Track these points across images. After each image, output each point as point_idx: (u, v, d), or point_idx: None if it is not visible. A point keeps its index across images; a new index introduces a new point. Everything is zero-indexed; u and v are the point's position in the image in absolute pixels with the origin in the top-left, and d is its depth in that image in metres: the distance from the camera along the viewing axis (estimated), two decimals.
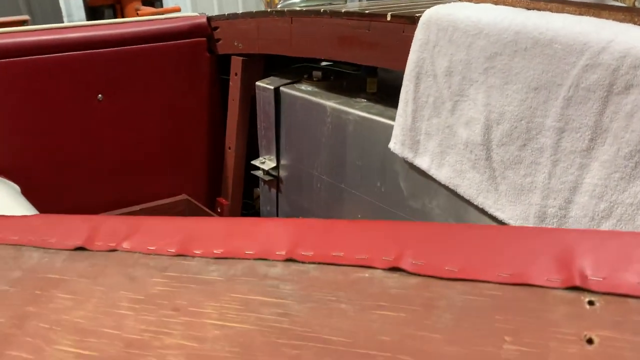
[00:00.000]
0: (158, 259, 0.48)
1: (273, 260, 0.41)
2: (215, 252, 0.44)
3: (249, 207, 1.57)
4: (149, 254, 0.48)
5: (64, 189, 1.24)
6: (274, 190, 1.36)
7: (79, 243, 0.53)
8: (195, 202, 1.44)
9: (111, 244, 0.50)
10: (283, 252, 0.41)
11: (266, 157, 1.33)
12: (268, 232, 0.45)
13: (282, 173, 1.31)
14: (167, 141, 1.41)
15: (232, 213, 1.49)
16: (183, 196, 1.46)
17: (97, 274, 0.48)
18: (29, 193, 1.08)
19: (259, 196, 1.45)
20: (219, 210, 1.49)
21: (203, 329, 0.37)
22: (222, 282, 0.43)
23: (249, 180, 1.49)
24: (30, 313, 0.44)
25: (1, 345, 0.40)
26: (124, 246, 0.50)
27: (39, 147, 1.18)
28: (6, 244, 0.58)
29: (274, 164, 1.31)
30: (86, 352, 0.39)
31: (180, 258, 0.46)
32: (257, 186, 1.46)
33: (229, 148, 1.44)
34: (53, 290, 0.47)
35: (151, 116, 1.35)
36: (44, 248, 0.55)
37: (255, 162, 1.34)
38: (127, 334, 0.39)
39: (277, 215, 1.38)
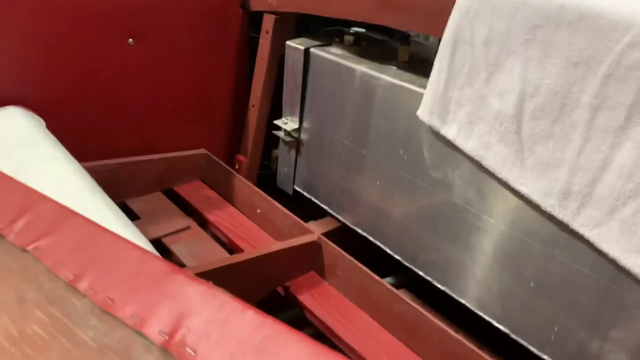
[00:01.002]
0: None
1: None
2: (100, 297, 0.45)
3: (265, 168, 1.57)
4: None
5: (87, 128, 1.24)
6: (293, 152, 1.36)
7: None
8: (214, 157, 1.45)
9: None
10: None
11: (289, 118, 1.33)
12: None
13: (304, 135, 1.32)
14: (192, 93, 1.41)
15: (250, 171, 1.50)
16: (202, 150, 1.47)
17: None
18: (53, 128, 1.08)
19: (277, 157, 1.46)
20: (236, 167, 1.50)
21: None
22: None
23: (269, 140, 1.49)
24: None
25: None
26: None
27: (66, 83, 1.18)
28: None
29: (296, 126, 1.31)
30: None
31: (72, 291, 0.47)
32: (277, 147, 1.46)
33: (253, 106, 1.44)
34: None
35: (178, 66, 1.35)
36: None
37: (278, 122, 1.34)
38: None
39: (294, 179, 1.39)
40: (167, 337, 0.41)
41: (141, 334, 0.42)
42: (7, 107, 1.09)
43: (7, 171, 0.88)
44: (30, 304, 0.46)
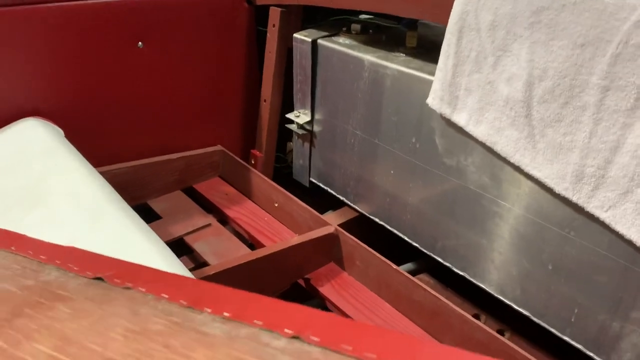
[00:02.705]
0: (167, 305, 0.48)
1: (279, 334, 0.42)
2: (225, 313, 0.45)
3: (281, 161, 1.59)
4: (160, 299, 0.49)
5: (104, 134, 1.27)
6: (307, 145, 1.37)
7: (99, 274, 0.54)
8: (230, 154, 1.46)
9: (128, 284, 0.52)
10: (291, 331, 0.42)
11: (301, 110, 1.34)
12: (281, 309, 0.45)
13: (316, 127, 1.32)
14: (204, 91, 1.42)
15: (266, 166, 1.51)
16: (218, 147, 1.49)
17: (104, 300, 0.49)
18: (71, 136, 1.11)
19: (292, 150, 1.47)
20: (252, 162, 1.51)
21: None
22: (223, 338, 0.43)
23: (283, 133, 1.50)
24: (25, 313, 0.46)
25: None
26: (139, 288, 0.51)
27: (81, 91, 1.20)
28: (33, 259, 0.60)
29: (308, 118, 1.32)
30: (62, 357, 0.40)
31: (189, 309, 0.47)
32: (291, 140, 1.47)
33: (264, 101, 1.45)
34: (57, 303, 0.48)
35: (189, 66, 1.36)
36: (65, 270, 0.57)
37: (290, 116, 1.34)
38: (110, 353, 0.40)
39: (309, 171, 1.40)
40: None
41: (269, 330, 0.43)
42: (26, 118, 1.12)
43: (30, 181, 0.91)
44: (146, 315, 0.45)
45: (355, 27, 1.22)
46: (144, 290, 0.49)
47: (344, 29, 1.24)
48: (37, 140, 1.05)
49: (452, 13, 0.89)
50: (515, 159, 0.86)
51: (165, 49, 1.30)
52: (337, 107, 1.23)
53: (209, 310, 0.44)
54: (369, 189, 1.22)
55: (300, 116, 1.33)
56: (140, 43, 1.25)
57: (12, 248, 0.64)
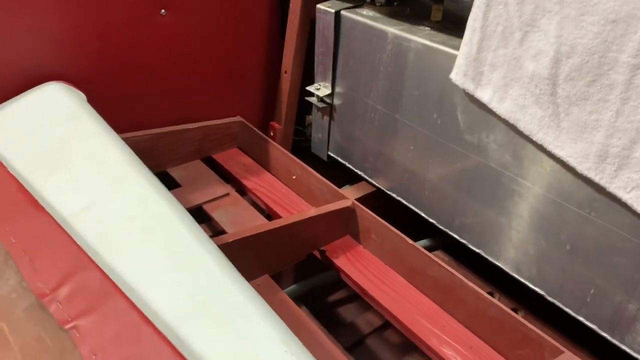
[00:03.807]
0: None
1: None
2: None
3: (300, 134, 1.59)
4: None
5: (125, 101, 1.28)
6: (326, 118, 1.36)
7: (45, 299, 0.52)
8: (249, 125, 1.47)
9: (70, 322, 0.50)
10: None
11: (321, 83, 1.33)
12: None
13: (336, 100, 1.31)
14: (225, 61, 1.42)
15: (284, 138, 1.51)
16: (238, 118, 1.49)
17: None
18: (93, 101, 1.12)
19: (311, 123, 1.47)
20: (271, 134, 1.51)
21: None
22: None
23: (302, 106, 1.50)
24: None
25: None
26: (73, 334, 0.49)
27: (104, 57, 1.21)
28: (4, 249, 0.58)
29: (328, 91, 1.31)
30: None
31: None
32: (310, 113, 1.46)
33: (285, 72, 1.44)
34: None
35: (210, 35, 1.36)
36: (21, 278, 0.55)
37: (310, 88, 1.34)
38: None
39: (328, 144, 1.40)
40: None
41: None
42: (49, 82, 1.13)
43: (52, 144, 0.92)
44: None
45: None
46: (77, 335, 0.48)
47: (368, 0, 1.23)
48: (60, 104, 1.06)
49: None
50: (538, 137, 0.85)
51: (187, 17, 1.30)
52: (358, 81, 1.22)
53: None
54: (387, 164, 1.22)
55: (320, 89, 1.32)
56: (163, 10, 1.25)
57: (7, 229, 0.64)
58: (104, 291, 0.52)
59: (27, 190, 0.72)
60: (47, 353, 0.49)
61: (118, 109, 1.26)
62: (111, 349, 0.47)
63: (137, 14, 1.22)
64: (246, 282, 0.64)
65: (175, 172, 1.37)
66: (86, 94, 1.15)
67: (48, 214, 0.66)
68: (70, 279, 0.54)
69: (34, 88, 1.12)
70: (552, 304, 0.94)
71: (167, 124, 1.37)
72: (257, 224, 1.18)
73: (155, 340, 0.48)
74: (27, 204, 0.68)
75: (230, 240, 0.99)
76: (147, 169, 0.88)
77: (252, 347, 0.50)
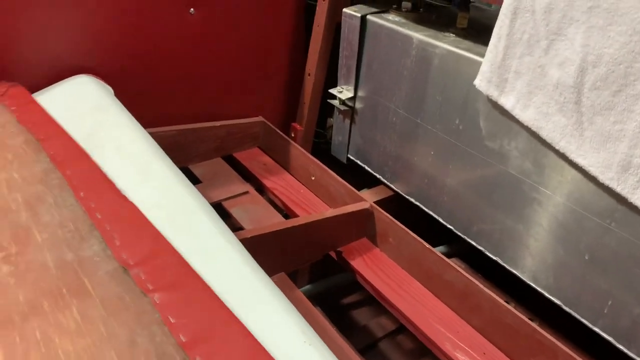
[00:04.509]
0: (165, 338, 0.48)
1: None
2: None
3: (320, 136, 1.60)
4: (163, 325, 0.50)
5: (151, 97, 1.30)
6: (347, 121, 1.38)
7: (129, 262, 0.56)
8: (271, 125, 1.48)
9: (149, 285, 0.53)
10: None
11: (344, 86, 1.34)
12: None
13: (358, 104, 1.33)
14: (250, 62, 1.44)
15: (305, 139, 1.52)
16: (259, 118, 1.51)
17: (114, 310, 0.51)
18: (120, 96, 1.14)
19: (331, 126, 1.48)
20: (292, 135, 1.53)
21: None
22: None
23: (323, 109, 1.51)
24: (41, 310, 0.50)
25: None
26: (155, 297, 0.52)
27: (132, 53, 1.23)
28: (89, 219, 0.63)
29: (351, 94, 1.32)
30: None
31: (180, 352, 0.47)
32: (331, 116, 1.48)
33: (309, 74, 1.46)
34: (74, 301, 0.52)
35: (237, 35, 1.38)
36: (105, 245, 0.59)
37: (333, 91, 1.35)
38: None
39: (348, 147, 1.41)
40: None
41: None
42: (79, 75, 1.16)
43: (81, 134, 0.95)
44: (140, 350, 0.47)
45: (406, 4, 1.21)
46: (157, 302, 0.52)
47: (394, 6, 1.24)
48: (89, 96, 1.09)
49: None
50: (560, 145, 0.85)
51: (215, 17, 1.32)
52: (381, 85, 1.23)
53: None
54: (407, 169, 1.22)
55: (343, 92, 1.33)
56: (192, 9, 1.27)
57: (82, 194, 0.68)
58: (183, 271, 0.55)
59: (103, 172, 0.76)
60: (127, 310, 0.51)
61: (144, 103, 1.28)
62: (188, 318, 0.50)
63: (167, 12, 1.24)
64: (265, 273, 0.65)
65: (196, 169, 1.39)
66: (114, 88, 1.18)
67: (125, 196, 0.70)
68: (151, 256, 0.57)
69: (64, 80, 1.15)
70: (567, 317, 0.94)
71: (190, 121, 1.39)
72: (275, 222, 1.20)
73: (227, 317, 0.50)
74: (108, 185, 0.73)
75: (249, 236, 1.00)
76: (171, 162, 0.90)
77: (270, 335, 0.51)
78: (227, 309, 0.52)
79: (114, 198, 0.70)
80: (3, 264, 0.57)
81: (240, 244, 0.70)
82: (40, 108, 0.95)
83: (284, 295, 0.61)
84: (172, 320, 0.49)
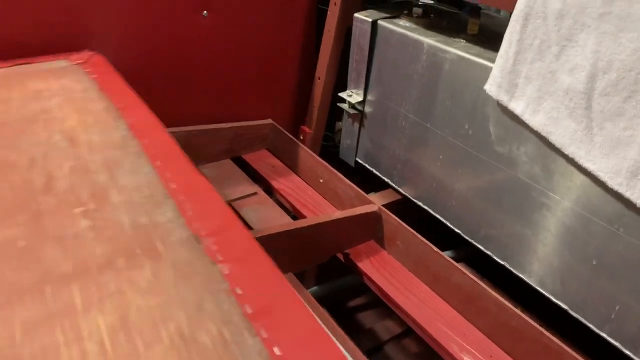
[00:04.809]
0: (232, 308, 0.50)
1: None
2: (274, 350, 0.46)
3: (329, 139, 1.61)
4: (231, 295, 0.52)
5: (162, 97, 1.31)
6: (356, 125, 1.39)
7: (200, 231, 0.60)
8: (280, 128, 1.49)
9: (219, 256, 0.55)
10: None
11: (354, 90, 1.36)
12: None
13: (367, 108, 1.34)
14: (260, 65, 1.45)
15: (314, 142, 1.53)
16: (268, 120, 1.52)
17: (183, 274, 0.53)
18: None
19: (340, 129, 1.49)
20: (301, 138, 1.54)
21: None
22: None
23: (333, 112, 1.52)
24: (116, 265, 0.54)
25: None
26: (224, 267, 0.55)
27: (145, 53, 1.25)
28: (164, 188, 0.67)
29: (360, 98, 1.33)
30: (107, 343, 0.45)
31: (245, 324, 0.48)
32: (340, 119, 1.49)
33: (319, 78, 1.47)
34: (146, 261, 0.55)
35: (248, 38, 1.39)
36: (179, 214, 0.63)
37: (342, 95, 1.36)
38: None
39: (356, 151, 1.42)
40: None
41: None
42: None
43: None
44: (207, 315, 0.48)
45: (417, 10, 1.22)
46: (225, 272, 0.54)
47: (405, 11, 1.25)
48: None
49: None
50: (570, 150, 0.86)
51: (227, 19, 1.34)
52: (390, 89, 1.24)
53: (263, 336, 0.46)
54: (415, 173, 1.23)
55: (352, 96, 1.34)
56: (205, 12, 1.29)
57: (158, 163, 0.73)
58: (250, 247, 0.57)
59: (176, 144, 0.80)
60: (197, 277, 0.53)
61: (154, 104, 1.29)
62: (254, 291, 0.52)
63: (181, 13, 1.26)
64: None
65: (205, 170, 1.40)
66: None
67: (198, 171, 0.73)
68: (221, 229, 0.60)
69: None
70: (573, 322, 0.94)
71: (200, 122, 1.40)
72: (283, 222, 1.20)
73: (290, 295, 0.52)
74: (182, 157, 0.76)
75: (257, 236, 1.01)
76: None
77: None
78: (290, 287, 0.53)
79: (187, 171, 0.73)
80: (82, 218, 0.60)
81: None
82: (119, 78, 1.01)
83: (294, 291, 0.61)
84: (239, 292, 0.51)
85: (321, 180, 1.36)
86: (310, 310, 0.50)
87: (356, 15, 1.28)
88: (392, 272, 1.11)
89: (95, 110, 0.87)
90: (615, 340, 0.88)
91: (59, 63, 1.06)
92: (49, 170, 0.69)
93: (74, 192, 0.65)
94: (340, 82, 1.43)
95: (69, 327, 0.46)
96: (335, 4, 1.36)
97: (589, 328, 0.92)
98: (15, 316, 0.46)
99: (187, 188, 0.68)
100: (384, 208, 1.19)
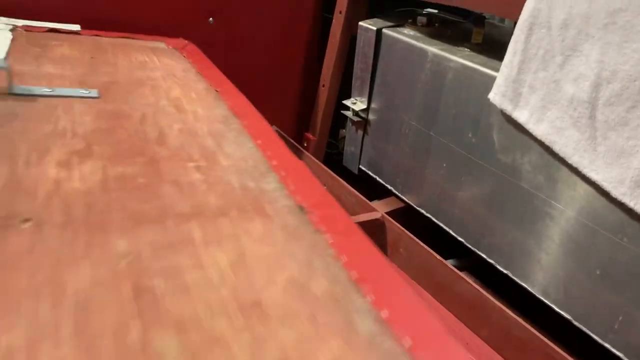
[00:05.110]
0: (339, 270, 0.53)
1: None
2: (383, 312, 0.47)
3: (332, 147, 1.61)
4: (337, 260, 0.54)
5: None
6: (360, 132, 1.39)
7: (303, 203, 0.64)
8: (284, 134, 1.50)
9: (321, 227, 0.59)
10: None
11: (358, 98, 1.36)
12: None
13: (371, 115, 1.34)
14: (265, 71, 1.46)
15: (317, 149, 1.54)
16: (273, 127, 1.52)
17: (291, 236, 0.58)
18: None
19: (344, 137, 1.49)
20: (305, 145, 1.54)
21: None
22: (364, 338, 0.45)
23: (336, 120, 1.53)
24: (230, 214, 0.59)
25: None
26: (327, 236, 0.58)
27: None
28: (266, 160, 0.73)
29: (364, 106, 1.34)
30: (230, 274, 0.49)
31: (353, 287, 0.51)
32: (344, 127, 1.49)
33: (323, 86, 1.48)
34: (257, 217, 0.60)
35: (254, 45, 1.40)
36: (282, 185, 0.67)
37: (347, 102, 1.37)
38: (267, 295, 0.48)
39: (360, 158, 1.42)
40: None
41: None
42: None
43: None
44: (317, 271, 0.51)
45: (422, 19, 1.23)
46: (330, 241, 0.57)
47: (410, 20, 1.26)
48: None
49: (523, 9, 0.90)
50: (573, 160, 0.86)
51: (233, 27, 1.35)
52: (394, 97, 1.25)
53: (370, 298, 0.49)
54: (419, 181, 1.23)
55: (356, 103, 1.35)
56: (211, 19, 1.30)
57: (259, 142, 0.78)
58: (348, 223, 0.60)
59: (272, 130, 0.86)
60: (304, 239, 0.56)
61: None
62: (358, 260, 0.54)
63: (188, 20, 1.27)
64: None
65: None
66: None
67: (294, 155, 0.78)
68: (322, 206, 0.63)
69: None
70: (576, 332, 0.94)
71: None
72: None
73: (389, 267, 0.55)
74: (280, 140, 0.81)
75: None
76: None
77: None
78: (387, 261, 0.56)
79: (286, 152, 0.77)
80: (195, 171, 0.66)
81: None
82: (213, 65, 1.12)
83: None
84: (344, 259, 0.53)
85: (324, 187, 1.36)
86: (408, 285, 0.53)
87: (361, 23, 1.29)
88: None
89: (196, 88, 0.95)
90: (619, 350, 0.87)
91: (158, 44, 1.18)
92: (160, 126, 0.76)
93: (184, 149, 0.71)
94: (345, 90, 1.43)
95: (190, 255, 0.50)
96: (340, 12, 1.37)
97: (592, 339, 0.91)
98: (142, 237, 0.50)
99: (287, 166, 0.72)
100: (387, 216, 1.19)
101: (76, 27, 1.09)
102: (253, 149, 0.75)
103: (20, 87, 0.78)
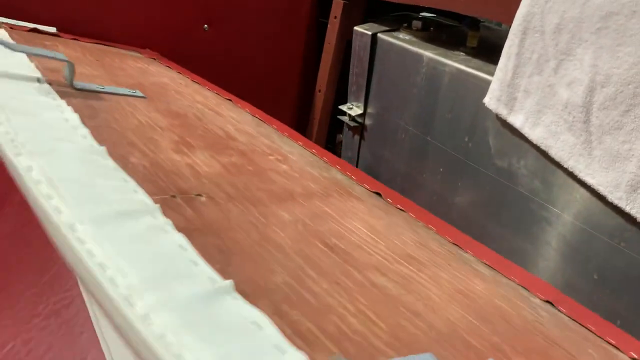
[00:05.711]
0: (436, 235, 0.65)
1: (533, 294, 0.57)
2: (484, 260, 0.61)
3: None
4: (429, 229, 0.66)
5: None
6: (357, 137, 1.39)
7: (376, 189, 0.73)
8: None
9: (400, 206, 0.69)
10: (543, 297, 0.57)
11: (354, 103, 1.36)
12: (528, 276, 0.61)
13: (368, 121, 1.34)
14: (260, 77, 1.46)
15: None
16: None
17: (387, 212, 0.66)
18: None
19: (341, 142, 1.49)
20: None
21: None
22: (490, 278, 0.57)
23: (333, 125, 1.53)
24: (333, 195, 0.65)
25: None
26: (410, 213, 0.68)
27: None
28: (320, 158, 0.79)
29: (360, 111, 1.34)
30: (374, 237, 0.58)
31: (455, 246, 0.63)
32: (341, 132, 1.49)
33: (319, 91, 1.47)
34: (352, 199, 0.67)
35: (249, 51, 1.40)
36: (348, 177, 0.76)
37: (343, 107, 1.36)
38: (410, 252, 0.57)
39: (357, 162, 1.41)
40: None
41: (525, 288, 0.57)
42: None
43: None
44: (428, 235, 0.62)
45: (417, 23, 1.23)
46: (414, 216, 0.66)
47: (405, 25, 1.25)
48: None
49: (517, 14, 0.89)
50: (569, 164, 0.86)
51: (228, 33, 1.35)
52: (390, 102, 1.24)
53: (471, 252, 0.61)
54: (415, 185, 1.23)
55: (353, 108, 1.35)
56: (206, 26, 1.30)
57: (300, 142, 0.82)
58: (418, 207, 0.71)
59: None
60: (396, 216, 0.65)
61: None
62: (439, 228, 0.67)
63: (183, 28, 1.27)
64: None
65: None
66: None
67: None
68: (387, 192, 0.75)
69: None
70: None
71: None
72: None
73: (470, 240, 0.67)
74: (313, 143, 0.88)
75: None
76: None
77: None
78: (466, 235, 0.67)
79: (327, 152, 0.83)
80: (280, 163, 0.71)
81: None
82: (199, 77, 1.12)
83: None
84: (434, 229, 0.64)
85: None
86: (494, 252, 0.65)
87: (356, 28, 1.28)
88: None
89: (206, 95, 0.97)
90: None
91: (134, 53, 1.16)
92: (218, 125, 0.78)
93: (254, 145, 0.74)
94: (341, 95, 1.43)
95: (337, 223, 0.57)
96: (335, 17, 1.37)
97: None
98: (294, 210, 0.57)
99: (337, 162, 0.78)
100: None
101: (52, 29, 1.07)
102: (301, 148, 0.80)
103: (79, 83, 0.77)
